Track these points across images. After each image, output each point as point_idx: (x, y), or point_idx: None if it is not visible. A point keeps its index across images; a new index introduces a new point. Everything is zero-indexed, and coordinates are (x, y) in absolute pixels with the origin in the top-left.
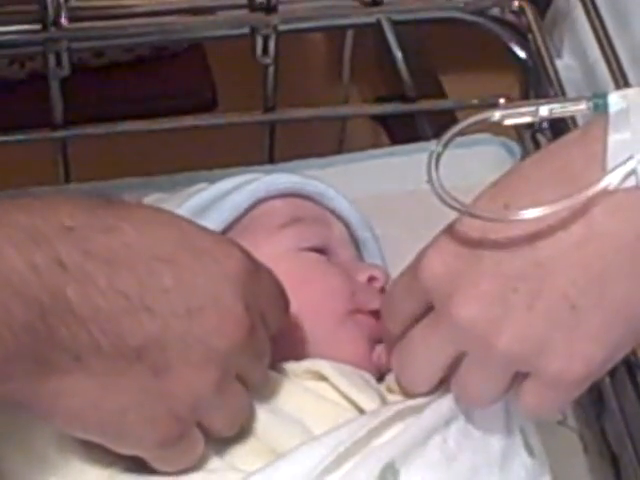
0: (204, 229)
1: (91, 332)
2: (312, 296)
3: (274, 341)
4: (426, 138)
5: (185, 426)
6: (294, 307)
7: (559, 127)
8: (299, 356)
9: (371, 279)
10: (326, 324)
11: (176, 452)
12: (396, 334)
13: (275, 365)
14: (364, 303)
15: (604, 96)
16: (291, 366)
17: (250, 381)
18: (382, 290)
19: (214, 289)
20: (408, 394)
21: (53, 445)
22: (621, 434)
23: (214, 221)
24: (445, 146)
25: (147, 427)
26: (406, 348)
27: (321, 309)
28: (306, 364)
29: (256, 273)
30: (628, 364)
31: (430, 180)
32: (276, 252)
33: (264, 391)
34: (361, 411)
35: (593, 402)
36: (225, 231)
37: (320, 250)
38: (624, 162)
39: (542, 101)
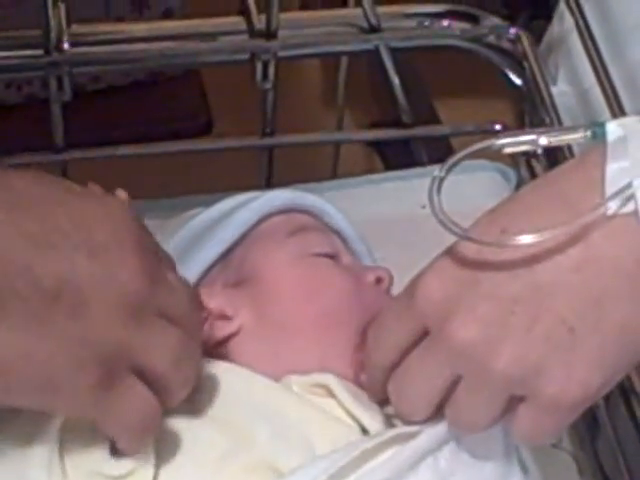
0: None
1: (8, 276)
2: (324, 305)
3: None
4: (421, 163)
5: (114, 367)
6: (305, 316)
7: (554, 153)
8: (306, 366)
9: (378, 280)
10: (337, 333)
11: (114, 401)
12: (384, 365)
13: (281, 377)
14: (373, 302)
15: (602, 125)
16: (298, 379)
17: (178, 320)
18: (387, 291)
19: (110, 228)
20: (407, 422)
21: None
22: (615, 456)
23: (221, 239)
24: (448, 172)
25: (77, 372)
26: (403, 376)
27: (332, 319)
28: (314, 377)
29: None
30: (622, 388)
31: (432, 204)
32: (287, 258)
33: (269, 403)
34: (364, 429)
35: (588, 425)
36: (232, 247)
37: (327, 255)
38: (623, 188)
39: (541, 130)
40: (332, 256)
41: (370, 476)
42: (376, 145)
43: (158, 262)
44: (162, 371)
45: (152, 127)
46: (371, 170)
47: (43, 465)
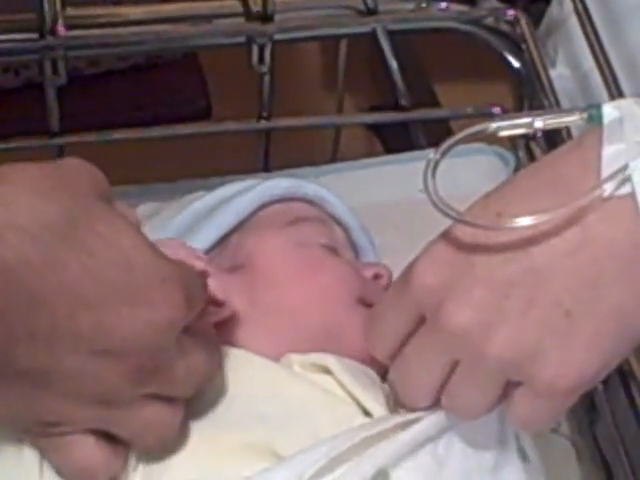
0: (159, 261)
1: None
2: (322, 284)
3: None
4: (420, 147)
5: (51, 429)
6: (303, 295)
7: (553, 136)
8: (306, 345)
9: (376, 276)
10: (336, 311)
11: (44, 445)
12: (384, 355)
13: (280, 356)
14: (371, 296)
15: (598, 107)
16: (297, 358)
17: (168, 396)
18: (387, 287)
19: (131, 337)
20: (411, 410)
21: None
22: (614, 441)
23: (219, 224)
24: (443, 155)
25: (10, 419)
26: (402, 364)
27: (330, 297)
28: (312, 357)
29: (189, 311)
30: (621, 372)
31: (426, 188)
32: (285, 244)
33: (271, 384)
34: (364, 409)
35: (586, 410)
36: (229, 234)
37: (326, 247)
38: (619, 170)
39: (537, 112)
40: (331, 247)
41: (370, 461)
42: (376, 129)
43: (171, 357)
44: (130, 440)
45: (151, 111)
46: (371, 154)
47: (34, 466)
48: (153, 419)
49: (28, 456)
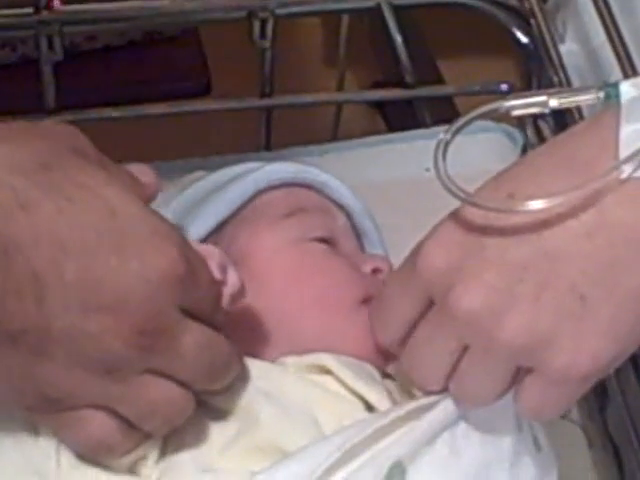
0: (148, 216)
1: None
2: (319, 287)
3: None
4: (425, 125)
5: (58, 404)
6: (299, 299)
7: (562, 114)
8: (302, 348)
9: (375, 270)
10: (333, 315)
11: (57, 423)
12: (393, 341)
13: (277, 359)
14: (370, 294)
15: (616, 85)
16: (294, 360)
17: (181, 379)
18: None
19: (123, 289)
20: (423, 392)
21: None
22: (624, 426)
23: (214, 212)
24: (454, 135)
25: (10, 395)
26: (412, 349)
27: (328, 300)
28: (309, 358)
29: (187, 277)
30: (633, 357)
31: (437, 169)
32: (279, 242)
33: (269, 385)
34: (367, 404)
35: (596, 395)
36: (224, 222)
37: (324, 240)
38: (638, 151)
39: (552, 91)
40: (330, 240)
41: (385, 452)
42: (379, 106)
43: (174, 324)
44: (135, 421)
45: (150, 87)
46: (374, 132)
47: (50, 450)
48: (160, 400)
49: (44, 440)
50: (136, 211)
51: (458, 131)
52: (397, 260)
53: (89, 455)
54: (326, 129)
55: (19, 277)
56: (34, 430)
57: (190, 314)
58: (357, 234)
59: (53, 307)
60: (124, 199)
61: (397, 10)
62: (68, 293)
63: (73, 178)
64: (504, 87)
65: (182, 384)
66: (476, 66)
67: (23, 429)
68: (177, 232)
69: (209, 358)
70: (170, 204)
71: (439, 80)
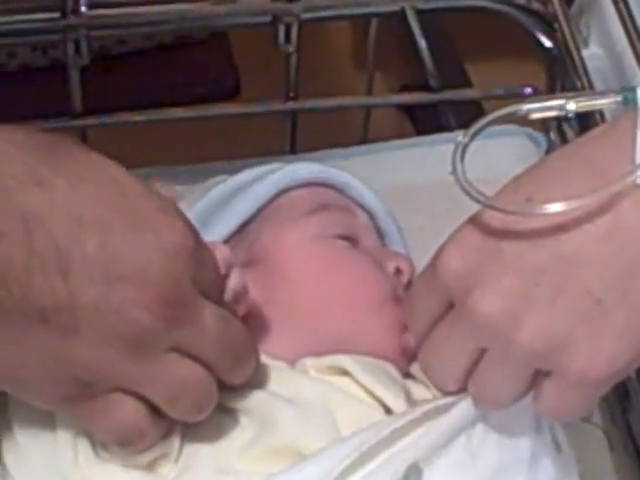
0: (153, 194)
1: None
2: (343, 282)
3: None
4: (450, 128)
5: (91, 389)
6: (323, 294)
7: (586, 118)
8: (324, 346)
9: (398, 271)
10: (356, 312)
11: (89, 412)
12: (419, 335)
13: (296, 361)
14: (392, 293)
15: (634, 89)
16: (312, 362)
17: (204, 359)
18: (408, 283)
19: (142, 259)
20: (440, 392)
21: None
22: None
23: (237, 212)
24: (472, 138)
25: (46, 384)
26: (430, 348)
27: (351, 296)
28: (328, 360)
29: (197, 252)
30: None
31: (455, 172)
32: (302, 239)
33: (287, 387)
34: (386, 407)
35: (619, 398)
36: (248, 222)
37: (346, 238)
38: None
39: (570, 95)
40: (352, 238)
41: (402, 454)
42: (407, 110)
43: (180, 303)
44: (160, 403)
45: (180, 91)
46: (403, 135)
47: (68, 443)
48: (189, 378)
49: (62, 436)
50: (142, 189)
51: (476, 134)
52: (420, 263)
53: (120, 443)
54: (355, 133)
55: (43, 251)
56: (52, 428)
57: (202, 293)
58: (380, 236)
59: (78, 281)
60: (130, 178)
61: (421, 14)
62: (91, 265)
63: (80, 159)
64: (528, 91)
65: (207, 367)
66: (506, 70)
67: (41, 427)
68: (180, 210)
69: (230, 338)
70: (194, 206)
71: (467, 84)
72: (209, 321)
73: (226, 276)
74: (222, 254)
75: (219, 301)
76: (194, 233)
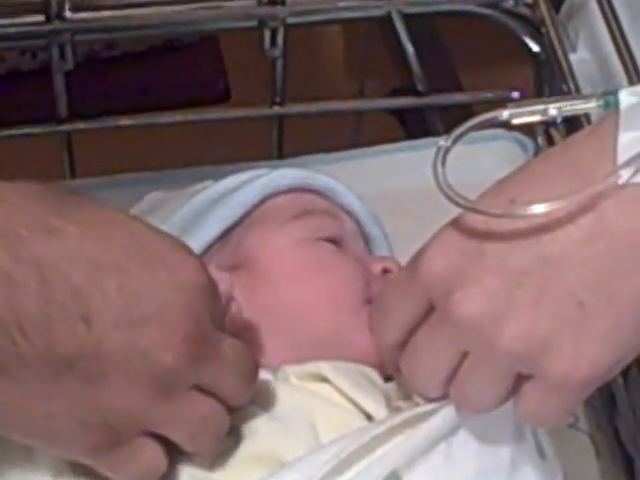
0: (161, 233)
1: (13, 339)
2: (327, 284)
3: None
4: (437, 133)
5: (120, 435)
6: (307, 295)
7: (573, 122)
8: (307, 350)
9: (385, 271)
10: (341, 312)
11: (116, 460)
12: (392, 345)
13: (280, 361)
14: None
15: (615, 93)
16: (293, 369)
17: (222, 393)
18: None
19: (162, 299)
20: (422, 398)
21: None
22: (635, 436)
23: (221, 218)
24: (454, 142)
25: (76, 433)
26: (411, 353)
27: (336, 297)
28: (308, 367)
29: (210, 286)
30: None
31: (435, 176)
32: (287, 243)
33: (267, 397)
34: (366, 413)
35: (605, 404)
36: (233, 227)
37: (332, 241)
38: (635, 157)
39: (552, 99)
40: (337, 242)
41: (382, 462)
42: (397, 114)
43: (202, 340)
44: (181, 442)
45: (169, 95)
46: (394, 139)
47: (49, 469)
48: (209, 414)
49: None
50: (149, 230)
51: (458, 139)
52: None
53: None
54: (344, 137)
55: (61, 298)
56: (31, 460)
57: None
58: (365, 241)
59: (101, 326)
60: (134, 221)
61: (408, 18)
62: (113, 309)
63: (88, 207)
64: (515, 95)
65: (222, 398)
66: (499, 75)
67: (21, 459)
68: (186, 245)
69: (244, 365)
70: (178, 211)
71: (458, 88)
72: (228, 353)
73: (228, 305)
74: (226, 286)
75: (222, 327)
76: (205, 268)
